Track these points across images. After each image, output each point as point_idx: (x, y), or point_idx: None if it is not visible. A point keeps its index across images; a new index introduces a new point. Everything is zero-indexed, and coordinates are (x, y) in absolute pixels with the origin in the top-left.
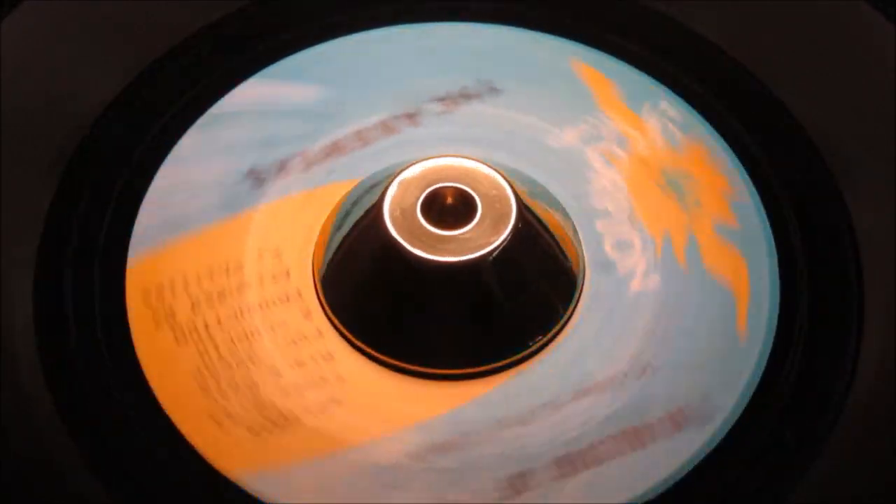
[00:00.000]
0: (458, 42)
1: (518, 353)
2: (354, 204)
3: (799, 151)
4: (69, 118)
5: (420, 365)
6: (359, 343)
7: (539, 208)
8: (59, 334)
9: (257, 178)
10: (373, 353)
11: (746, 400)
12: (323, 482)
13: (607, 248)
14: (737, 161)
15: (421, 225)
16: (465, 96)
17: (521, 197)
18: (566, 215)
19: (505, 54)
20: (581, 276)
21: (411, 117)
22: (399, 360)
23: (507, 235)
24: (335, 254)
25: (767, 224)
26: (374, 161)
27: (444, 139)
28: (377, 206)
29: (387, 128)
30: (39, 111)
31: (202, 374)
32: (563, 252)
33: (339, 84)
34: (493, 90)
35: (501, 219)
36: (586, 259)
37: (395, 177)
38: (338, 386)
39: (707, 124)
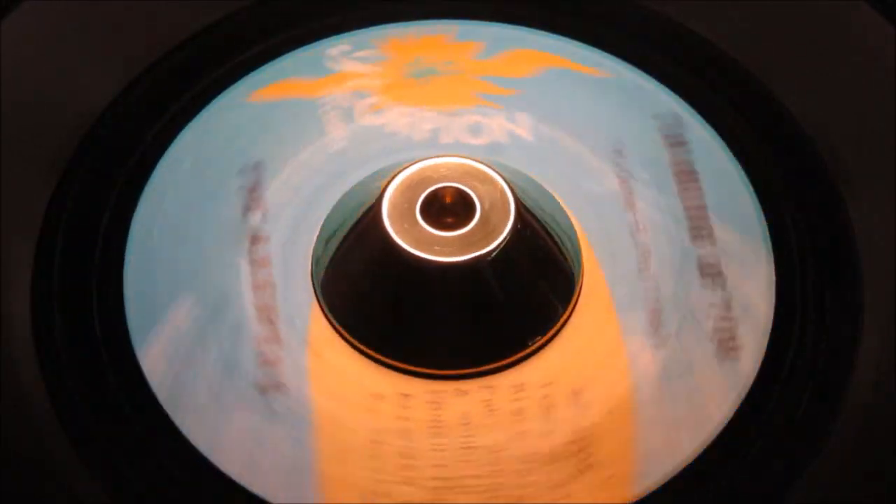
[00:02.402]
0: None
1: (517, 353)
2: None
3: (799, 151)
4: (69, 118)
5: (420, 365)
6: (358, 343)
7: (539, 208)
8: (58, 334)
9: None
10: (372, 353)
11: (746, 401)
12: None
13: None
14: (736, 161)
15: (420, 225)
16: None
17: (521, 197)
18: (565, 214)
19: None
20: (580, 276)
21: None
22: (398, 360)
23: (507, 235)
24: (334, 254)
25: (767, 224)
26: None
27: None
28: (376, 207)
29: None
30: (39, 111)
31: None
32: (562, 252)
33: None
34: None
35: (501, 219)
36: (585, 259)
37: (395, 177)
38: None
39: (707, 124)
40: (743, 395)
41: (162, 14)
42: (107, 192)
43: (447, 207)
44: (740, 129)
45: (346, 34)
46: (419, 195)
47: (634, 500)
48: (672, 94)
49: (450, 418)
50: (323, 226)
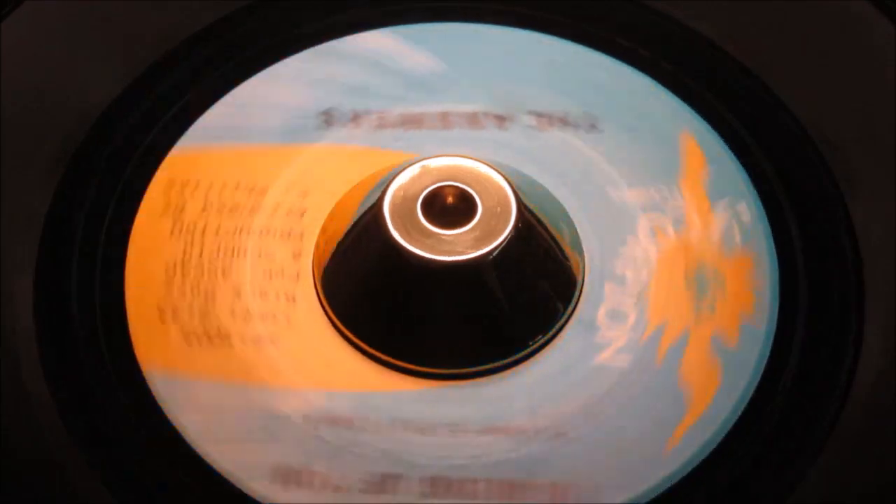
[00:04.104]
0: (578, 65)
1: (517, 353)
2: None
3: (799, 151)
4: (69, 118)
5: (419, 364)
6: (358, 342)
7: (540, 209)
8: (60, 334)
9: (328, 120)
10: (372, 352)
11: (746, 400)
12: (218, 405)
13: (601, 312)
14: (736, 161)
15: (421, 224)
16: (563, 122)
17: (522, 197)
18: (567, 216)
19: (620, 97)
20: (581, 276)
21: (501, 120)
22: (398, 359)
23: (507, 235)
24: (335, 253)
25: (767, 224)
26: (444, 145)
27: (516, 152)
28: (377, 206)
29: (473, 120)
30: (39, 111)
31: (174, 268)
32: (563, 252)
33: (452, 64)
34: (592, 127)
35: (501, 219)
36: (587, 260)
37: (396, 176)
38: (284, 329)
39: (711, 129)
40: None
41: (162, 14)
42: (108, 192)
43: (448, 206)
44: (740, 128)
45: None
46: (421, 193)
47: (635, 501)
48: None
49: None
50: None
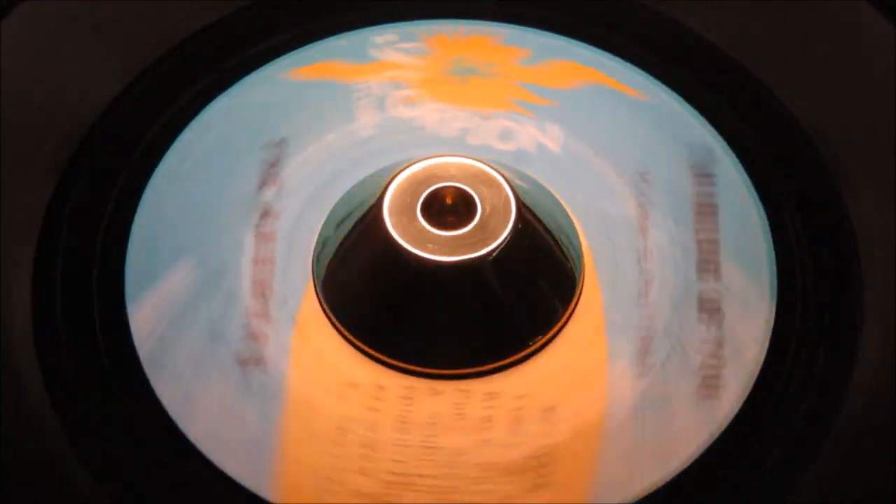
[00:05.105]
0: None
1: (517, 353)
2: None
3: (799, 151)
4: (69, 118)
5: (419, 365)
6: (357, 343)
7: (539, 208)
8: (58, 335)
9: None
10: (371, 352)
11: (745, 400)
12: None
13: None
14: (736, 161)
15: (421, 225)
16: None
17: (521, 197)
18: (567, 216)
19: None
20: (581, 275)
21: None
22: (399, 359)
23: (507, 235)
24: (335, 254)
25: (767, 224)
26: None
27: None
28: (377, 206)
29: None
30: (39, 111)
31: None
32: (562, 252)
33: None
34: None
35: (501, 219)
36: (586, 259)
37: (395, 176)
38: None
39: (707, 124)
40: (716, 435)
41: (162, 14)
42: (107, 193)
43: (448, 207)
44: (740, 129)
45: (394, 24)
46: (420, 194)
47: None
48: (707, 125)
49: (419, 416)
50: (333, 210)
